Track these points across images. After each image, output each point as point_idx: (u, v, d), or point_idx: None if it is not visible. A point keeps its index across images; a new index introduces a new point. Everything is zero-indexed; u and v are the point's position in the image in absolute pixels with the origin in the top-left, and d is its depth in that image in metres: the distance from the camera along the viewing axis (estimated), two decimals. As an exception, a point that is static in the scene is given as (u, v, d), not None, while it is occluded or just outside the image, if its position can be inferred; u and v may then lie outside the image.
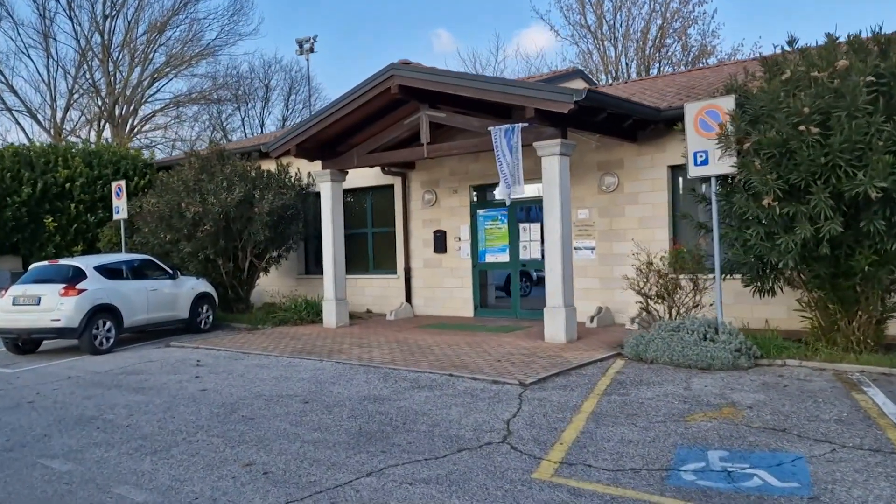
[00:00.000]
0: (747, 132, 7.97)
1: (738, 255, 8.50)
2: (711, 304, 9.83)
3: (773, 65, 8.29)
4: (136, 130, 36.75)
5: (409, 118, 12.06)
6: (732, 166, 8.28)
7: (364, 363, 9.30)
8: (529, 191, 13.43)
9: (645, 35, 31.34)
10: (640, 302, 10.18)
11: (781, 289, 8.93)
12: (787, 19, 45.99)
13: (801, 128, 7.28)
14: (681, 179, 11.96)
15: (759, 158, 7.70)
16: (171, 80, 38.59)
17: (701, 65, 27.85)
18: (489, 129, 9.97)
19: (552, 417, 6.40)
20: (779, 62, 8.23)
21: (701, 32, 31.91)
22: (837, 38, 8.07)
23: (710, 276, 9.77)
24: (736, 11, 43.37)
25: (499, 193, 9.82)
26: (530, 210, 13.70)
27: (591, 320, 12.04)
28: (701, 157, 8.64)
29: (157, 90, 37.99)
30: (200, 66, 39.11)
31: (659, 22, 31.32)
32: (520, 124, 9.90)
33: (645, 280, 10.03)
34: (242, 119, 44.49)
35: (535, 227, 13.47)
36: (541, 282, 14.08)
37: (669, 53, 31.72)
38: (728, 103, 8.40)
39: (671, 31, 31.39)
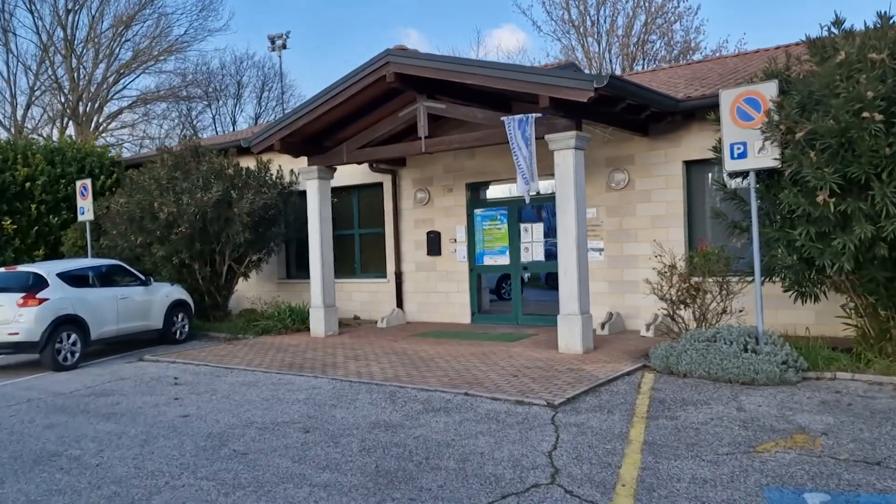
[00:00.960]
0: (795, 121, 7.16)
1: (781, 258, 7.70)
2: (741, 311, 9.05)
3: (823, 48, 7.49)
4: (101, 128, 35.19)
5: (404, 110, 11.10)
6: (776, 159, 7.47)
7: (365, 380, 8.33)
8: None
9: (629, 31, 30.73)
10: (664, 309, 9.33)
11: (825, 293, 8.16)
12: (770, 16, 45.88)
13: (865, 115, 6.49)
14: (708, 175, 11.17)
15: (813, 150, 6.89)
16: (138, 76, 37.23)
17: (689, 59, 27.26)
18: (503, 119, 9.05)
19: (600, 449, 5.50)
20: (830, 44, 7.43)
21: (685, 28, 31.37)
22: (892, 18, 7.30)
23: (737, 278, 8.99)
24: (719, 7, 43.08)
25: (517, 190, 8.95)
26: (532, 209, 12.83)
27: (602, 327, 11.19)
28: (738, 149, 7.82)
29: (124, 87, 36.53)
30: (169, 63, 37.73)
31: (643, 18, 30.76)
32: (534, 115, 9.01)
33: (669, 284, 9.19)
34: (213, 117, 43.09)
35: (538, 227, 12.61)
36: (533, 284, 13.29)
37: (654, 50, 31.16)
38: (770, 90, 7.60)
39: (655, 27, 30.84)
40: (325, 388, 8.07)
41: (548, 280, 15.73)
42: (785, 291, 8.26)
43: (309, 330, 12.58)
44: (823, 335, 8.93)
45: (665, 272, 9.38)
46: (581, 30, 31.34)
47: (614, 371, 8.27)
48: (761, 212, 8.09)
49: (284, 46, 40.78)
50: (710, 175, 11.12)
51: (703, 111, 10.54)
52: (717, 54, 27.48)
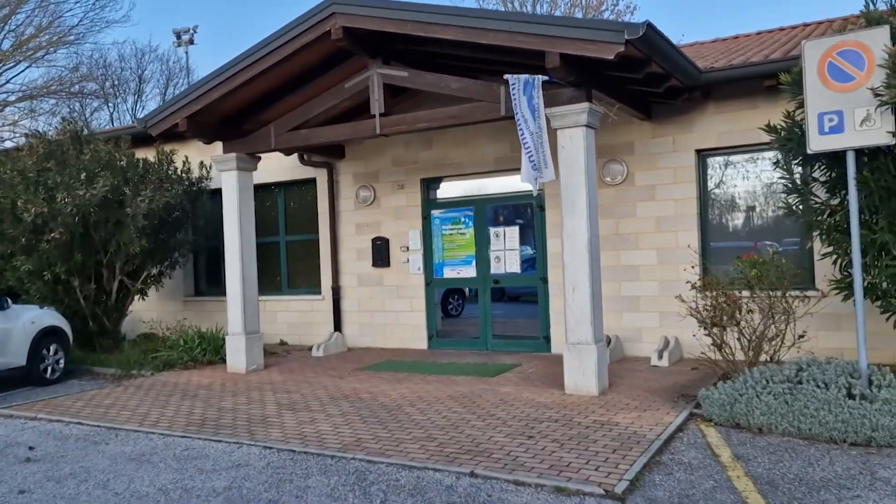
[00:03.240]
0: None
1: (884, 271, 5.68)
2: (801, 336, 7.01)
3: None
4: (-24, 123, 30.69)
5: (352, 79, 8.61)
6: (892, 132, 5.46)
7: (314, 449, 5.77)
8: (505, 182, 10.35)
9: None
10: (704, 334, 7.19)
11: (933, 314, 6.22)
12: (706, 15, 45.63)
13: None
14: (724, 168, 9.17)
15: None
16: (24, 69, 32.79)
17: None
18: (506, 77, 6.68)
19: None
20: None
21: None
22: None
23: (794, 292, 6.97)
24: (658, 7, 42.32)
25: (523, 179, 6.62)
26: (504, 209, 10.55)
27: (601, 355, 9.00)
28: (831, 120, 5.76)
29: (7, 81, 32.09)
30: (60, 55, 33.56)
31: (580, 14, 29.24)
32: (540, 76, 6.71)
33: (713, 301, 7.05)
34: (111, 114, 38.86)
35: (513, 231, 10.33)
36: (495, 296, 11.04)
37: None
38: (879, 38, 5.58)
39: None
40: (255, 466, 5.46)
41: (503, 293, 13.41)
42: (882, 313, 6.27)
43: (225, 363, 9.84)
44: (881, 362, 7.06)
45: (701, 286, 7.26)
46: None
47: (658, 423, 6.04)
48: (836, 205, 6.09)
49: (192, 42, 37.38)
50: (723, 168, 9.14)
51: (725, 88, 8.65)
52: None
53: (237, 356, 9.56)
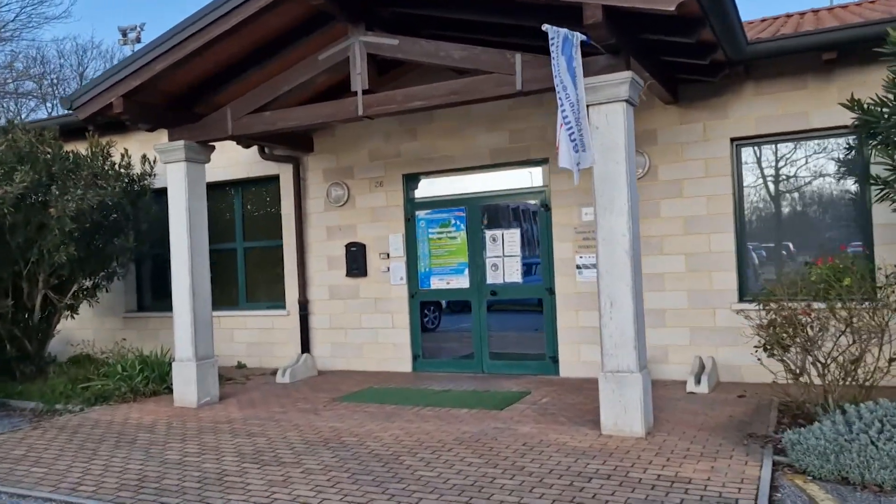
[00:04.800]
0: None
1: None
2: (894, 360, 5.71)
3: None
4: None
5: (328, 50, 7.09)
6: None
7: (292, 528, 4.22)
8: (503, 178, 8.95)
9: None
10: (785, 363, 5.83)
11: None
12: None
13: None
14: (766, 159, 7.90)
15: None
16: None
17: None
18: (546, 27, 5.20)
19: None
20: None
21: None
22: None
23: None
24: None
25: (561, 162, 5.16)
26: (502, 209, 9.12)
27: (625, 379, 7.61)
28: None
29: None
30: (-8, 50, 31.11)
31: None
32: (578, 34, 5.28)
33: (784, 319, 5.69)
34: (49, 114, 36.35)
35: (513, 235, 8.91)
36: (457, 309, 9.61)
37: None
38: None
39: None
40: (212, 560, 3.88)
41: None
42: None
43: (172, 393, 8.15)
44: None
45: (765, 298, 5.92)
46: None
47: (743, 480, 4.65)
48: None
49: (138, 40, 34.92)
50: (764, 159, 7.87)
51: (769, 65, 7.42)
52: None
53: (186, 387, 7.89)
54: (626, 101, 5.78)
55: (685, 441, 5.58)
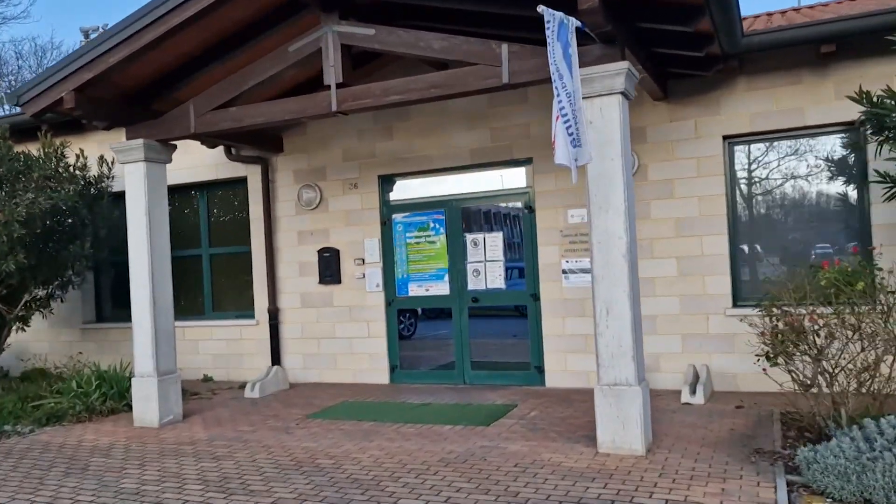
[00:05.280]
0: None
1: None
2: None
3: None
4: None
5: (299, 41, 6.60)
6: None
7: (262, 573, 3.71)
8: (484, 179, 8.54)
9: None
10: (793, 374, 5.46)
11: None
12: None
13: None
14: (756, 158, 7.56)
15: None
16: None
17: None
18: (541, 9, 4.75)
19: None
20: None
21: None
22: None
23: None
24: None
25: (557, 158, 4.73)
26: (483, 212, 8.70)
27: (617, 390, 7.23)
28: None
29: None
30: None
31: None
32: (573, 19, 4.85)
33: (789, 326, 5.33)
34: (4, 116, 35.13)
35: (495, 238, 8.48)
36: (433, 315, 9.22)
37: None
38: None
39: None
40: None
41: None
42: None
43: (132, 412, 7.55)
44: None
45: (769, 304, 5.55)
46: None
47: (757, 502, 4.26)
48: None
49: (101, 41, 34.13)
50: (757, 157, 7.55)
51: (764, 58, 7.15)
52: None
53: (147, 405, 7.31)
54: (622, 93, 5.39)
55: (689, 459, 5.18)
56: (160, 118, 7.31)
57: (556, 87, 4.68)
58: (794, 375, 5.40)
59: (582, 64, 5.30)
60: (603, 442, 5.45)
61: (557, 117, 4.68)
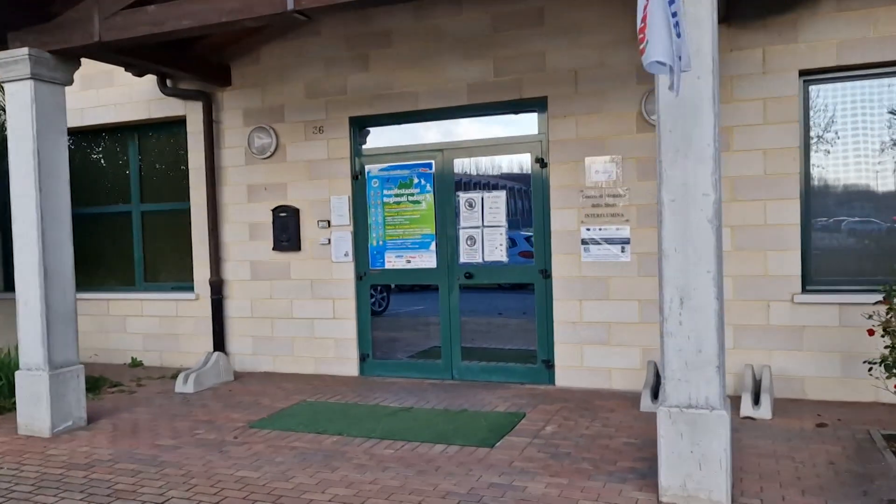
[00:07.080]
0: None
1: None
2: None
3: None
4: None
5: (243, -90, 4.70)
6: None
7: None
8: (485, 124, 6.78)
9: None
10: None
11: None
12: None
13: None
14: (844, 103, 5.86)
15: None
16: None
17: None
18: None
19: None
20: None
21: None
22: None
23: None
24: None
25: (652, 54, 3.06)
26: (482, 166, 6.92)
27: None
28: None
29: None
30: None
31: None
32: None
33: None
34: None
35: (495, 199, 6.73)
36: (406, 288, 7.55)
37: None
38: None
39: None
40: None
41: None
42: None
43: (17, 417, 5.70)
44: None
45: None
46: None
47: None
48: None
49: None
50: (850, 101, 5.86)
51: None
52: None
53: (36, 408, 5.47)
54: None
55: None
56: (57, 20, 5.38)
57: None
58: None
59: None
60: (668, 487, 3.78)
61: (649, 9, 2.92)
